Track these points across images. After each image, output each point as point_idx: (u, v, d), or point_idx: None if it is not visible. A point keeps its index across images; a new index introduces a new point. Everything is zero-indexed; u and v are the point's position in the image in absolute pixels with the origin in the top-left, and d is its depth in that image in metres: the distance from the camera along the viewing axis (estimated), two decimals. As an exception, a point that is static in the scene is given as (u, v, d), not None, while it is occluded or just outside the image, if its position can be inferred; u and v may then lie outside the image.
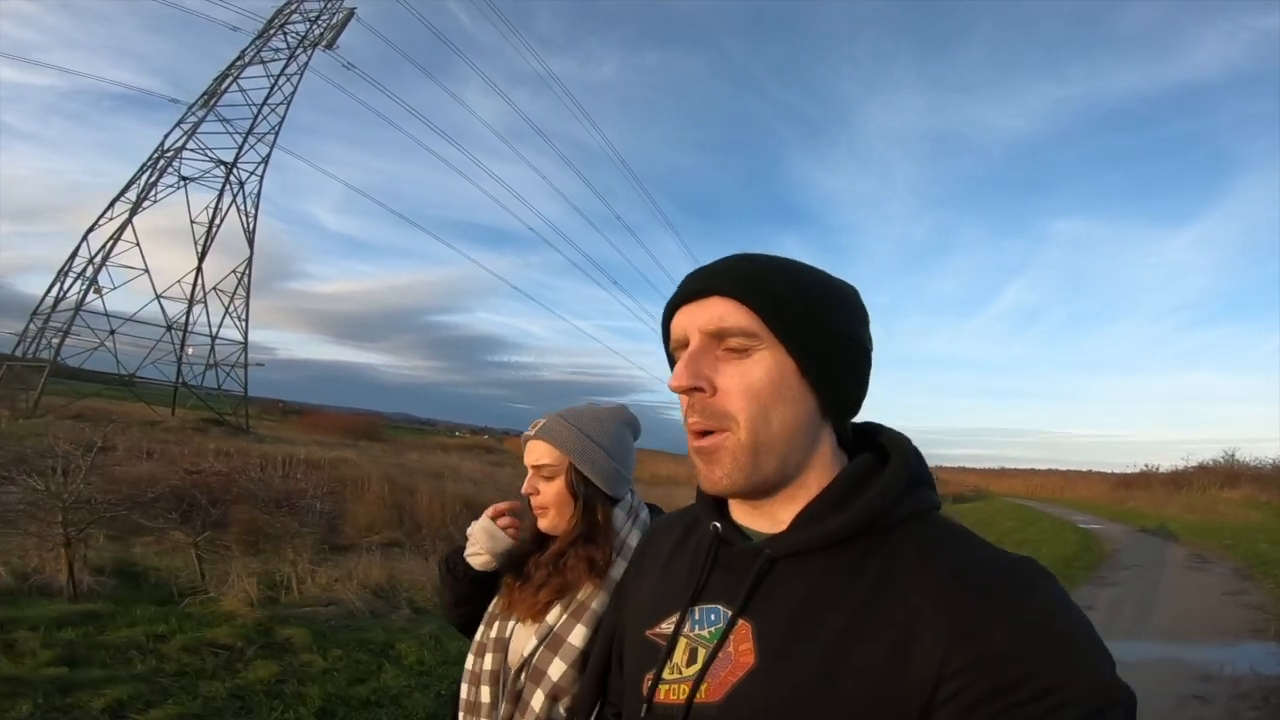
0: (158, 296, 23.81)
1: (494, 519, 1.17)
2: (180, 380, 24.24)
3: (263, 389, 25.05)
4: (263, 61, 26.12)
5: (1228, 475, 21.12)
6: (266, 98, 25.78)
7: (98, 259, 22.41)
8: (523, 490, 1.12)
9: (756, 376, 0.60)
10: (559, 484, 1.09)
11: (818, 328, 0.61)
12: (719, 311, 0.61)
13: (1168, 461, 30.21)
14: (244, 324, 25.21)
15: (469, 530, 1.19)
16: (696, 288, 0.63)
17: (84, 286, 21.78)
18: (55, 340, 21.64)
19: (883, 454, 0.64)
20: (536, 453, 1.11)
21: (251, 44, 26.62)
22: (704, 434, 0.62)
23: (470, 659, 1.13)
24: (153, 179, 23.69)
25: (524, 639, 1.07)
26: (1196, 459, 24.75)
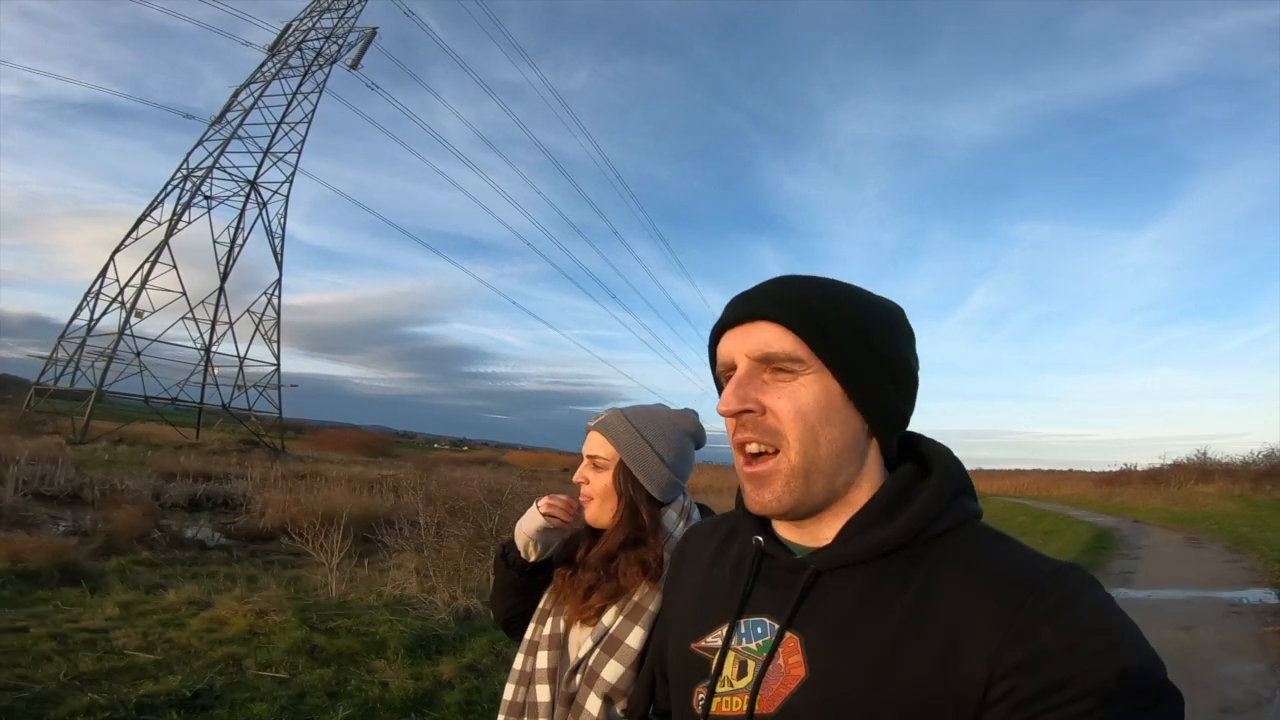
0: (192, 314, 24.60)
1: (543, 510, 1.17)
2: (226, 403, 25.07)
3: (243, 405, 25.83)
4: (280, 78, 26.95)
5: (1202, 471, 23.84)
6: (283, 115, 26.55)
7: (135, 282, 23.18)
8: (574, 478, 1.16)
9: (804, 400, 0.62)
10: (606, 478, 1.12)
11: (863, 350, 0.63)
12: (765, 337, 0.63)
13: (1140, 458, 33.29)
14: (276, 345, 26.10)
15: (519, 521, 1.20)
16: (742, 313, 0.66)
17: (123, 311, 22.54)
18: (95, 364, 22.32)
19: (923, 464, 0.66)
20: (593, 443, 1.15)
21: (269, 61, 27.47)
22: (757, 456, 0.64)
23: (520, 658, 1.15)
24: (184, 199, 24.49)
25: (579, 641, 1.10)
26: (1172, 457, 27.57)
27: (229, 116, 26.34)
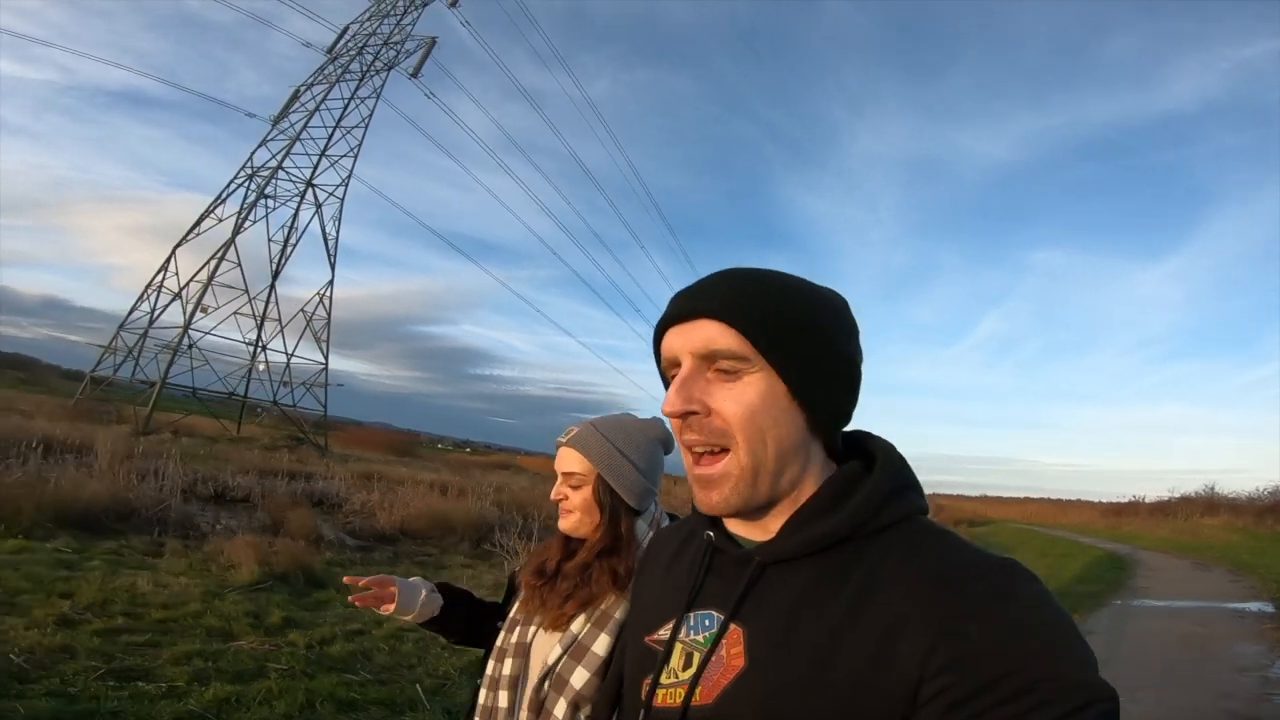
0: (253, 311, 25.98)
1: (358, 604, 1.24)
2: (277, 400, 26.41)
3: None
4: (339, 82, 27.87)
5: (1208, 505, 25.25)
6: (339, 119, 27.56)
7: (201, 277, 24.58)
8: (552, 497, 1.20)
9: (750, 400, 0.63)
10: (585, 493, 1.16)
11: (806, 347, 0.63)
12: (708, 334, 0.63)
13: (1142, 491, 34.68)
14: (325, 344, 27.44)
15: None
16: (685, 309, 0.66)
17: (189, 306, 23.92)
18: (158, 357, 23.65)
19: (869, 460, 0.67)
20: (567, 460, 1.17)
21: (330, 64, 28.69)
22: (704, 457, 0.65)
23: (490, 664, 1.20)
24: (249, 198, 25.83)
25: (547, 647, 1.13)
26: (1180, 491, 28.97)
27: (292, 118, 27.73)
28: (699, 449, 0.65)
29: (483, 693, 1.17)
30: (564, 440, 1.18)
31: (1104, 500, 36.78)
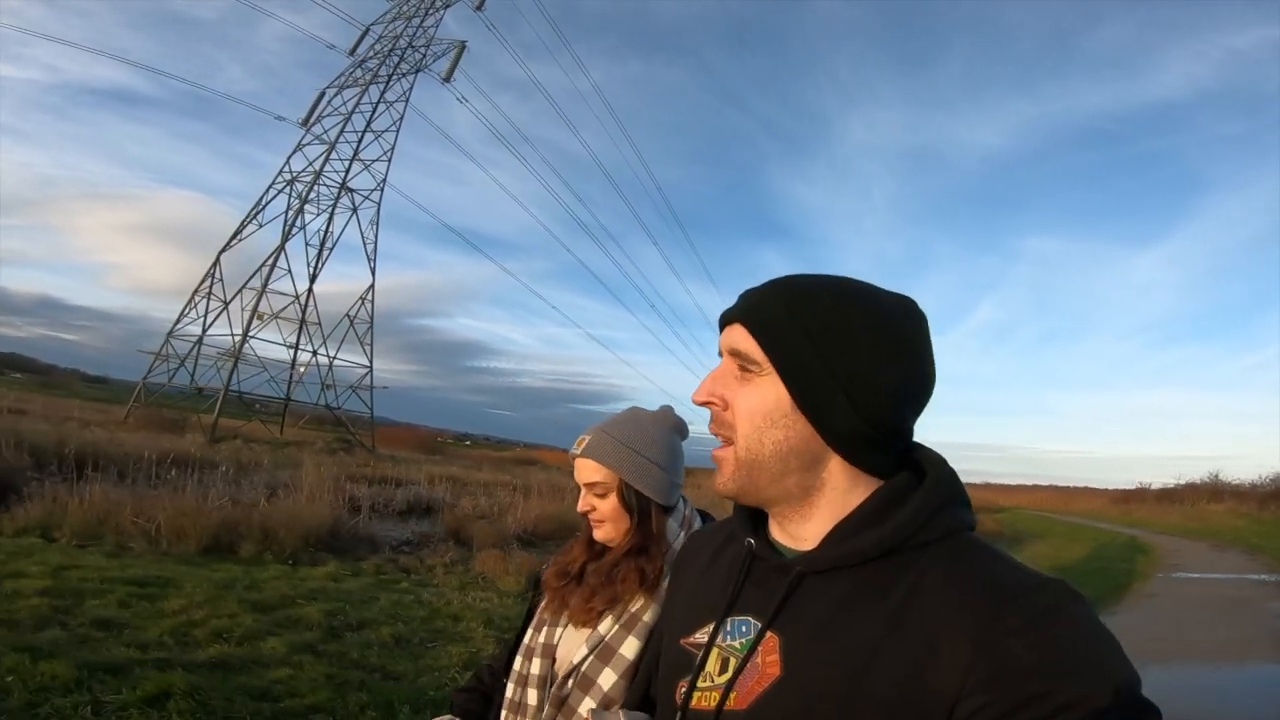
0: (303, 318, 27.28)
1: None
2: (327, 404, 27.81)
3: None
4: (375, 83, 28.61)
5: (1213, 492, 27.33)
6: (368, 122, 28.41)
7: (254, 284, 25.86)
8: (579, 510, 1.21)
9: (754, 401, 0.68)
10: (612, 500, 1.16)
11: (814, 364, 0.65)
12: (735, 336, 0.69)
13: (1140, 477, 36.70)
14: (369, 348, 28.85)
15: None
16: (730, 311, 0.72)
17: (246, 314, 25.23)
18: (218, 364, 24.96)
19: (918, 472, 0.68)
20: (587, 471, 1.18)
21: (357, 68, 29.52)
22: (719, 445, 0.71)
23: (519, 660, 1.22)
24: (293, 205, 26.89)
25: (573, 646, 1.15)
26: (1185, 478, 31.03)
27: (325, 123, 28.82)
28: (716, 438, 0.71)
29: (510, 687, 1.20)
30: (579, 452, 1.19)
31: (1111, 487, 38.82)
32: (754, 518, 0.77)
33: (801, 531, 0.70)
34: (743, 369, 0.69)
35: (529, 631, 1.24)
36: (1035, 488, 47.96)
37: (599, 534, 1.19)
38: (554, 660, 1.17)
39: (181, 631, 4.08)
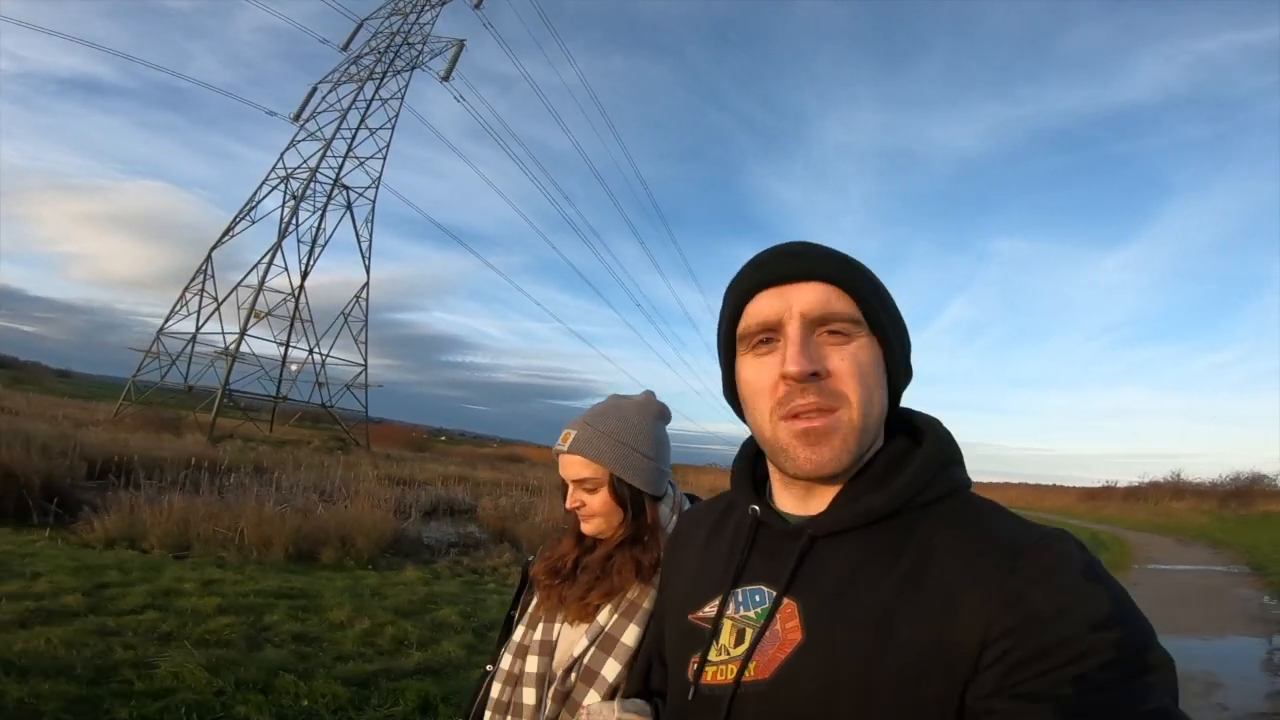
0: (301, 317, 27.34)
1: None
2: (324, 402, 27.94)
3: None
4: (362, 81, 28.54)
5: (1176, 490, 29.21)
6: (362, 119, 28.33)
7: (250, 281, 25.88)
8: (567, 507, 1.19)
9: (864, 360, 0.66)
10: (603, 495, 1.15)
11: (897, 321, 0.70)
12: (824, 296, 0.66)
13: (1110, 475, 38.59)
14: (364, 346, 29.02)
15: None
16: (791, 270, 0.67)
17: (243, 313, 25.24)
18: (215, 363, 24.94)
19: (915, 435, 0.71)
20: (574, 468, 1.16)
21: (352, 64, 29.37)
22: (816, 414, 0.64)
23: (507, 659, 1.19)
24: (289, 202, 26.81)
25: (573, 640, 1.14)
26: (1149, 477, 33.10)
27: (318, 119, 28.74)
28: (809, 412, 0.65)
29: (497, 687, 1.18)
30: (565, 448, 1.16)
31: (1077, 485, 40.82)
32: (756, 485, 0.77)
33: (813, 497, 0.70)
34: (834, 331, 0.66)
35: (520, 629, 1.22)
36: (1006, 485, 49.71)
37: (588, 528, 1.18)
38: (552, 657, 1.15)
39: (367, 641, 4.30)
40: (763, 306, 0.68)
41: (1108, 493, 34.94)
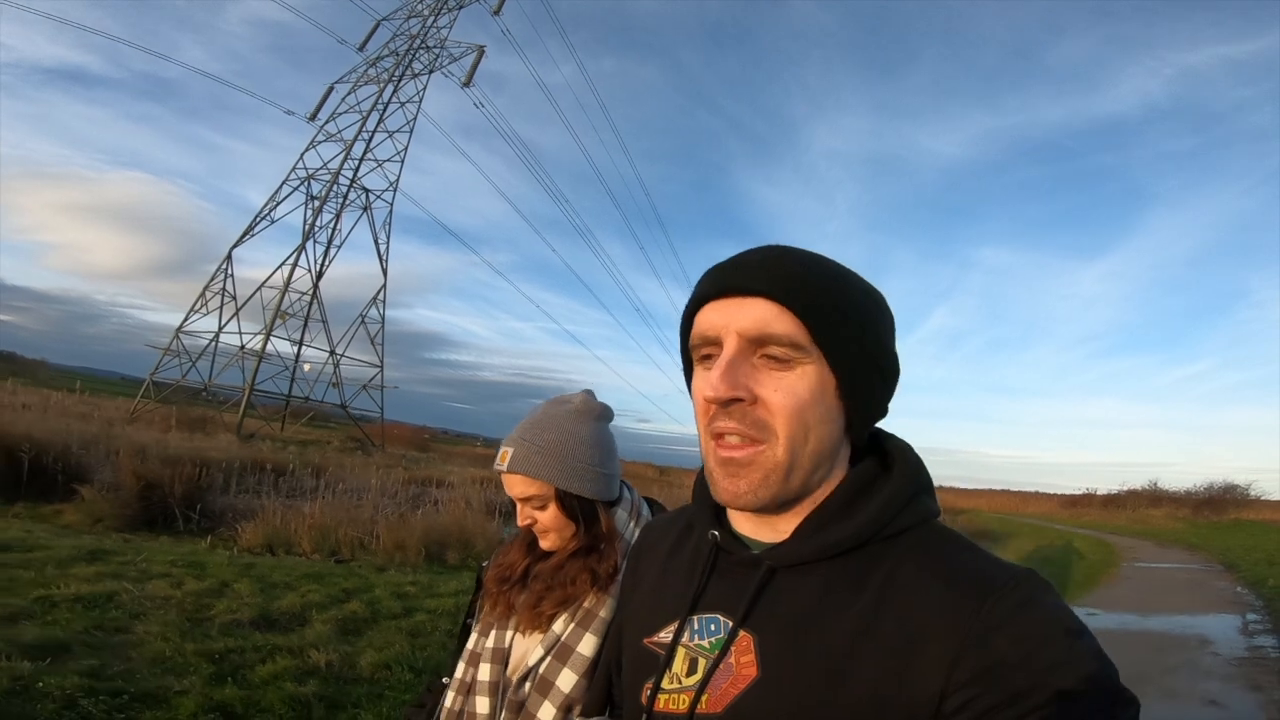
0: (322, 317, 28.08)
1: None
2: (342, 402, 28.74)
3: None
4: (384, 83, 28.94)
5: (1152, 498, 31.17)
6: (379, 121, 28.84)
7: (276, 282, 26.55)
8: (519, 524, 1.17)
9: (801, 393, 0.61)
10: (552, 510, 1.13)
11: (861, 344, 0.62)
12: (763, 315, 0.61)
13: (1088, 483, 40.72)
14: (380, 348, 29.86)
15: None
16: (734, 283, 0.62)
17: (269, 313, 25.90)
18: (242, 362, 25.57)
19: (884, 459, 0.67)
20: (517, 487, 1.13)
21: (373, 65, 29.86)
22: (739, 442, 0.62)
23: (461, 667, 1.18)
24: (314, 204, 27.40)
25: (528, 648, 1.12)
26: (1128, 485, 34.95)
27: (339, 121, 29.38)
28: (733, 439, 0.62)
29: (450, 695, 1.17)
30: (504, 468, 1.12)
31: (1060, 493, 42.76)
32: (716, 506, 0.72)
33: (778, 523, 0.67)
34: (771, 356, 0.61)
35: (473, 636, 1.21)
36: (990, 491, 51.44)
37: (545, 544, 1.17)
38: (506, 665, 1.14)
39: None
40: (709, 320, 0.64)
41: (1088, 500, 36.85)
